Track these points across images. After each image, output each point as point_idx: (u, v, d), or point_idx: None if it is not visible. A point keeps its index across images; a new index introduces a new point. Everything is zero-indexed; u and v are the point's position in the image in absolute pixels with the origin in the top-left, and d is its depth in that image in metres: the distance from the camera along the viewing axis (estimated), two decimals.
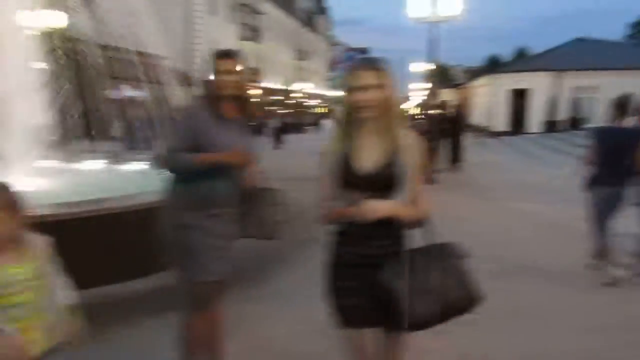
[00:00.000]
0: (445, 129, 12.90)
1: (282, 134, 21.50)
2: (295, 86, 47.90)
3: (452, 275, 1.97)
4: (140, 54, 29.14)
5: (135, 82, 25.18)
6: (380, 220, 1.94)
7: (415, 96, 42.86)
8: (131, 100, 22.47)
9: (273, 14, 42.25)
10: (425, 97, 49.48)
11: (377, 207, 1.93)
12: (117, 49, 28.26)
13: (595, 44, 29.73)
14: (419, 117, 13.81)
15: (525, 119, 28.55)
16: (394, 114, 2.03)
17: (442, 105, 14.61)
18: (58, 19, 16.00)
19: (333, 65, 68.68)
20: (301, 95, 48.82)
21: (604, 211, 4.79)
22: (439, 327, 2.00)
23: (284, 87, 44.97)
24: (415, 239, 2.07)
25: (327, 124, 11.61)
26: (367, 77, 1.97)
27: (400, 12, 10.71)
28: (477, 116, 37.25)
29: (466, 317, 2.03)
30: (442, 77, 64.13)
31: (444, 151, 13.28)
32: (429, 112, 14.16)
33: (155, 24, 29.37)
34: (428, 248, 2.01)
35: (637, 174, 4.65)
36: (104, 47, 27.64)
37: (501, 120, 29.59)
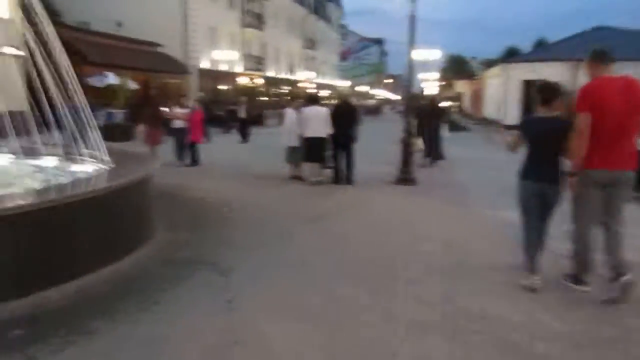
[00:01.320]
0: (423, 122, 11.53)
1: (248, 126, 19.88)
2: (302, 76, 46.39)
3: None
4: (131, 40, 27.79)
5: (122, 69, 23.82)
6: None
7: (428, 87, 40.98)
8: (111, 88, 21.31)
9: (279, 1, 40.72)
10: (439, 88, 47.69)
11: None
12: (108, 35, 26.91)
13: (615, 33, 27.57)
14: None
15: None
16: None
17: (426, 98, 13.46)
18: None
19: (345, 55, 66.95)
20: (310, 85, 47.21)
21: (531, 208, 4.40)
22: None
23: (289, 77, 43.53)
24: None
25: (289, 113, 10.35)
26: None
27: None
28: (488, 109, 35.34)
29: None
30: (458, 68, 62.07)
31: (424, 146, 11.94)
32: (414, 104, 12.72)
33: (149, 10, 27.91)
34: None
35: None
36: (95, 34, 26.38)
37: (513, 113, 27.72)
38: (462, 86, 56.17)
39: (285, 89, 41.71)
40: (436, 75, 43.82)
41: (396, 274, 4.67)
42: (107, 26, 25.67)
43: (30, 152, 7.31)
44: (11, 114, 7.25)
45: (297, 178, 9.90)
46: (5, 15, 18.33)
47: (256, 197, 8.40)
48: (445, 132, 13.31)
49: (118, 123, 17.89)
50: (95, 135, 7.48)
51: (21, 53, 17.98)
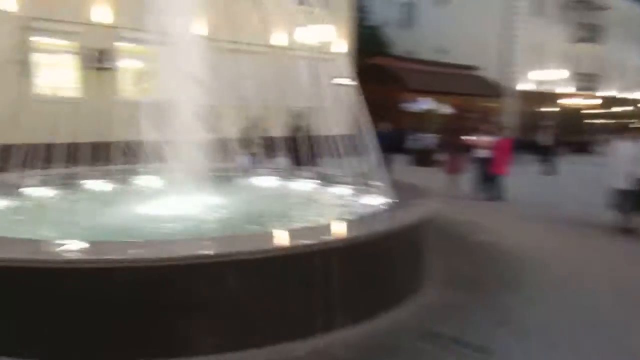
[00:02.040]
0: None
1: (553, 155, 16.55)
2: None
3: None
4: (449, 65, 28.36)
5: (438, 94, 24.37)
6: None
7: None
8: (427, 113, 21.77)
9: (623, 8, 34.64)
10: None
11: None
12: (428, 62, 28.07)
13: None
14: None
15: None
16: None
17: None
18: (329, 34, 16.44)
19: None
20: None
21: None
22: None
23: (635, 97, 36.52)
24: None
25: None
26: None
27: None
28: None
29: None
30: None
31: None
32: None
33: (471, 34, 27.98)
34: None
35: None
36: (417, 61, 27.85)
37: None
38: None
39: (626, 110, 35.05)
40: None
41: None
42: (431, 54, 26.64)
43: (330, 179, 7.51)
44: (341, 137, 7.55)
45: (627, 232, 7.51)
46: (343, 50, 20.93)
47: (562, 252, 6.64)
48: None
49: (427, 148, 17.94)
50: (390, 163, 7.16)
51: (352, 82, 20.14)
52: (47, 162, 7.22)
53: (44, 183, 6.68)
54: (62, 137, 8.21)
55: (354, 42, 21.54)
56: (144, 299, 3.39)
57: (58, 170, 7.22)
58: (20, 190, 6.29)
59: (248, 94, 10.34)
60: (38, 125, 9.05)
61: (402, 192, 5.84)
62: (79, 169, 7.56)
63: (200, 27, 15.35)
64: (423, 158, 17.08)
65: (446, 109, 22.62)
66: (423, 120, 21.28)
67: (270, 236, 4.20)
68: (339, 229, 4.36)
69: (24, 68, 12.41)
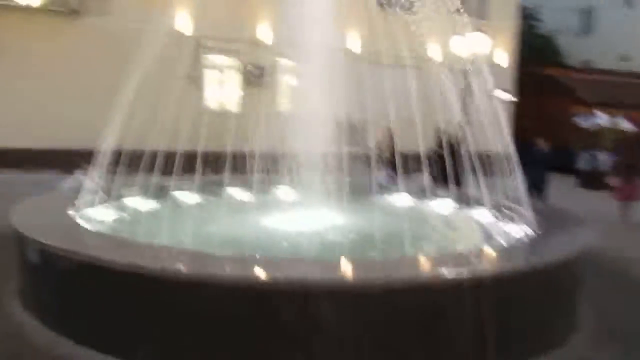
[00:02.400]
0: None
1: None
2: None
3: None
4: (633, 75, 24.97)
5: (617, 108, 21.59)
6: None
7: None
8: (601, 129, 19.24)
9: None
10: None
11: None
12: (606, 71, 25.11)
13: None
14: None
15: None
16: None
17: None
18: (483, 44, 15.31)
19: None
20: None
21: None
22: None
23: None
24: None
25: None
26: None
27: None
28: None
29: None
30: None
31: None
32: None
33: None
34: None
35: None
36: (593, 71, 25.10)
37: None
38: None
39: None
40: None
41: None
42: (613, 62, 23.71)
43: (470, 201, 6.88)
44: (491, 155, 7.00)
45: None
46: (505, 60, 19.61)
47: None
48: None
49: (599, 169, 15.77)
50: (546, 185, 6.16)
51: (510, 96, 18.66)
52: (207, 169, 7.80)
53: (192, 189, 7.20)
54: (221, 146, 8.85)
55: (520, 52, 20.06)
56: (246, 318, 3.32)
57: (209, 177, 7.74)
58: (170, 194, 6.85)
59: (394, 108, 10.14)
60: (204, 135, 9.94)
61: (551, 219, 5.08)
62: (228, 177, 8.01)
63: (353, 43, 15.46)
64: (592, 180, 15.08)
65: (627, 125, 19.69)
66: (597, 137, 18.84)
67: (388, 264, 3.91)
68: (468, 261, 3.87)
69: (196, 83, 13.89)
